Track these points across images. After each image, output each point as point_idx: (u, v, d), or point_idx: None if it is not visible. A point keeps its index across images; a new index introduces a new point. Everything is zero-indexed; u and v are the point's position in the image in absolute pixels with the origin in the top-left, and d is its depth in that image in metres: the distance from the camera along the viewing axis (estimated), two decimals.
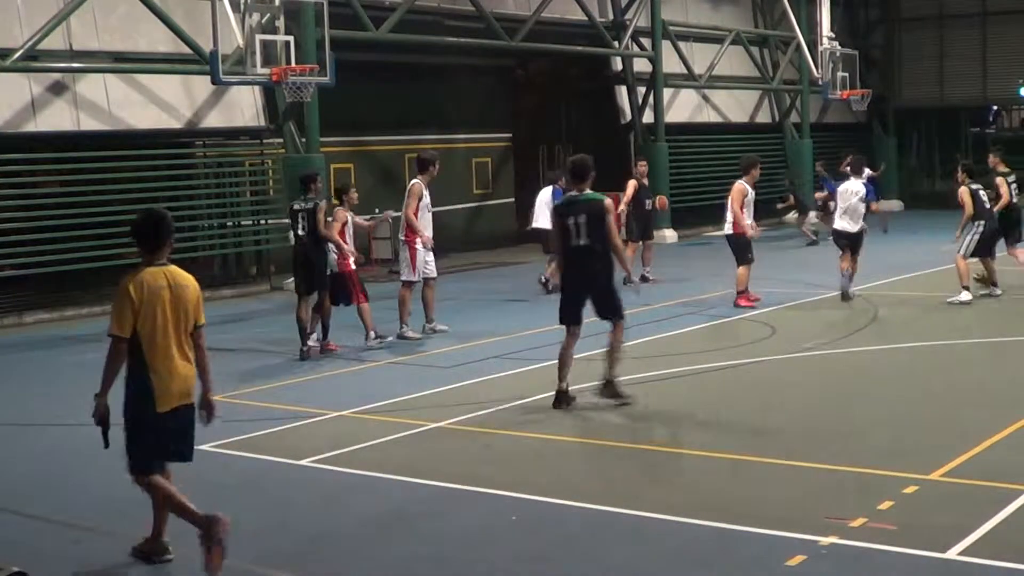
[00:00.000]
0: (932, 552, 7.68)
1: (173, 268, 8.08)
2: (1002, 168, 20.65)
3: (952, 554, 7.64)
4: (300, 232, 16.03)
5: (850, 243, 19.42)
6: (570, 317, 12.42)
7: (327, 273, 16.10)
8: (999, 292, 19.26)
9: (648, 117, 33.94)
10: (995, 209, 20.00)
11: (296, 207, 16.14)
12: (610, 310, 12.43)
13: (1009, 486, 8.99)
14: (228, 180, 25.38)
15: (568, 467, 10.28)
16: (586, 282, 12.33)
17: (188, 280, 8.09)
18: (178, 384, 8.03)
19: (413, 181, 17.19)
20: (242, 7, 20.25)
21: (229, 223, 25.32)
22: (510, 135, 33.86)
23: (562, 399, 12.23)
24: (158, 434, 8.02)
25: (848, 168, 21.26)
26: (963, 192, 19.18)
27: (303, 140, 24.16)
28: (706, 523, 8.43)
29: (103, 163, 22.46)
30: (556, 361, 12.37)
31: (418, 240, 17.00)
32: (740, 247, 19.44)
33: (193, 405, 8.16)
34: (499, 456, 10.72)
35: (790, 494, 9.21)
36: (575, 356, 12.47)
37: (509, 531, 8.55)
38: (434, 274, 17.37)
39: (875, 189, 23.34)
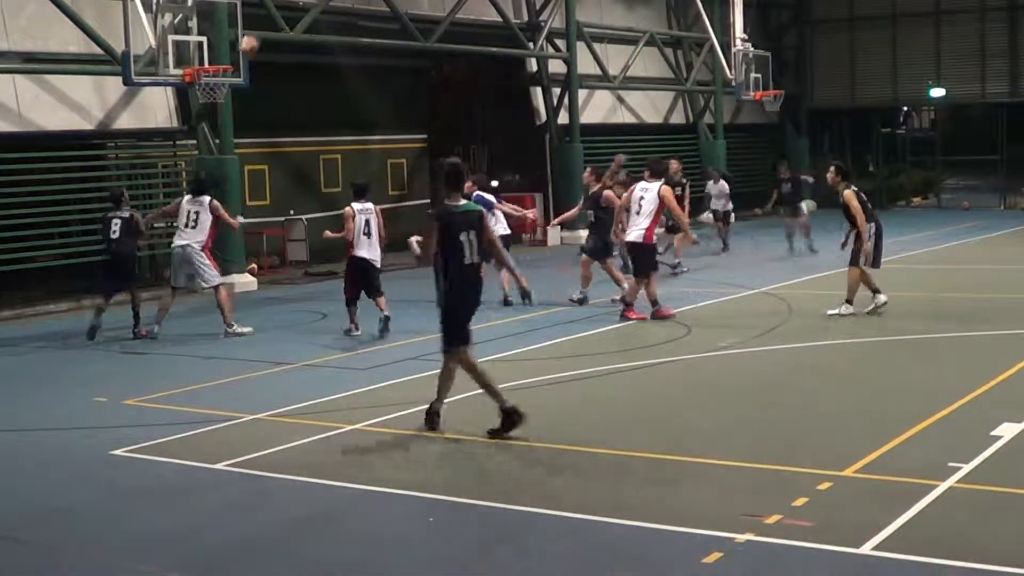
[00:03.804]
0: (847, 548, 7.75)
1: None
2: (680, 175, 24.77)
3: (866, 549, 7.72)
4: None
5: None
6: None
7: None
8: (884, 299, 17.72)
9: (563, 118, 34.06)
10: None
11: None
12: None
13: (921, 481, 9.11)
14: (141, 182, 25.13)
15: (486, 468, 10.27)
16: None
17: None
18: None
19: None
20: (154, 7, 20.05)
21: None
22: (425, 136, 33.80)
23: None
24: None
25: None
26: (849, 196, 17.55)
27: (217, 141, 23.99)
28: (623, 522, 8.44)
29: (13, 165, 22.15)
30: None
31: None
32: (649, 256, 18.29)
33: None
34: (416, 458, 10.68)
35: (706, 492, 9.26)
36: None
37: (427, 533, 8.52)
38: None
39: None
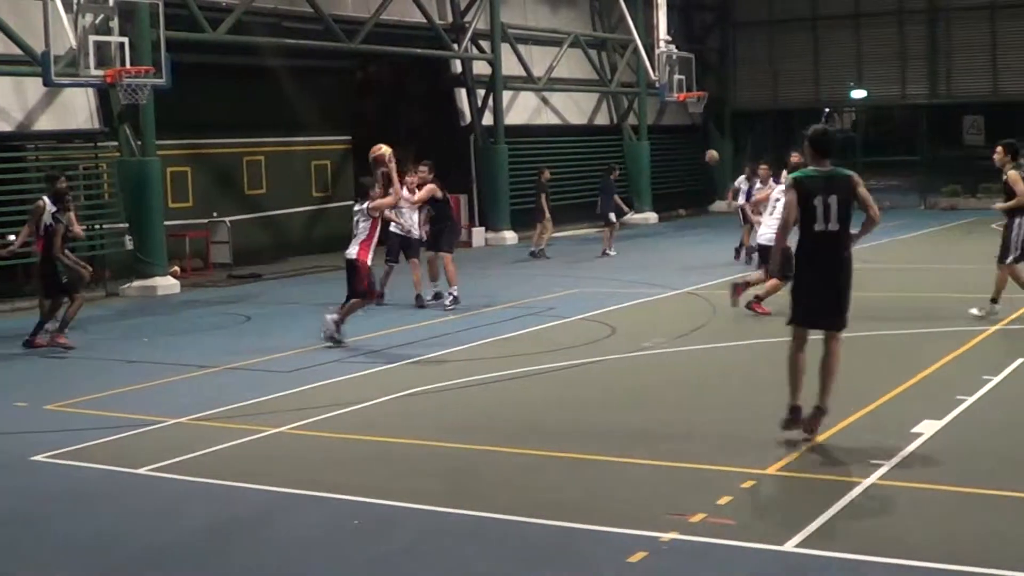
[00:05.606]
0: (770, 545, 7.81)
1: None
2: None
3: (789, 546, 7.78)
4: None
5: None
6: None
7: None
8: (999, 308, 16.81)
9: (488, 119, 34.08)
10: None
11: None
12: None
13: (842, 478, 9.22)
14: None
15: (409, 470, 10.24)
16: None
17: None
18: None
19: None
20: (75, 7, 19.86)
21: None
22: (350, 137, 33.68)
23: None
24: None
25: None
26: (1015, 178, 16.24)
27: (139, 143, 23.77)
28: (548, 522, 8.45)
29: None
30: (392, 365, 12.32)
31: None
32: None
33: None
34: (339, 460, 10.65)
35: (630, 491, 9.29)
36: None
37: (351, 536, 8.48)
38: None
39: None
